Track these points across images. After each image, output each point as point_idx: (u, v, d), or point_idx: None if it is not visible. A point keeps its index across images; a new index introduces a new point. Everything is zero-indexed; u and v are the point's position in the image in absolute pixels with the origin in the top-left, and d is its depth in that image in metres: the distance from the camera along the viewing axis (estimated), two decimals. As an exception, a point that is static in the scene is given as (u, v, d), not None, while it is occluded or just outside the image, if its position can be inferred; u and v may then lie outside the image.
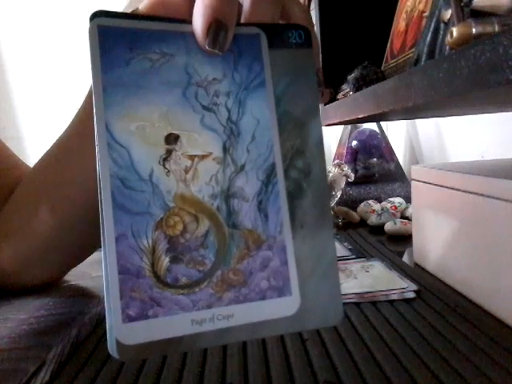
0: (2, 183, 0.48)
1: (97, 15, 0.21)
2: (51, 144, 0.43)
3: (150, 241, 0.20)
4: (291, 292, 0.22)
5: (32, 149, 1.85)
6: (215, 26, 0.22)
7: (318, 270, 0.22)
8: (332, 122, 0.66)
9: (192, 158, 0.21)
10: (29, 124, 2.10)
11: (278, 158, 0.22)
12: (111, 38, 0.21)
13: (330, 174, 0.94)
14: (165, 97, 0.21)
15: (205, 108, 0.22)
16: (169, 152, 0.21)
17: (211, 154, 0.22)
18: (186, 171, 0.21)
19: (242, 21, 0.24)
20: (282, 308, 0.21)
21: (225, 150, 0.22)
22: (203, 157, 0.21)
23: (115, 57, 0.21)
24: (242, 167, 0.22)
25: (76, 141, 0.39)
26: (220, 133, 0.22)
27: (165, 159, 0.21)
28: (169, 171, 0.21)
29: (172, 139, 0.21)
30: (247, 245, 0.21)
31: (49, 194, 0.41)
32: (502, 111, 0.64)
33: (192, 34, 0.22)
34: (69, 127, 0.40)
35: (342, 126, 1.18)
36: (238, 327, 0.21)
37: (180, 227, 0.21)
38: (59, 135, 0.41)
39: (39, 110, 2.06)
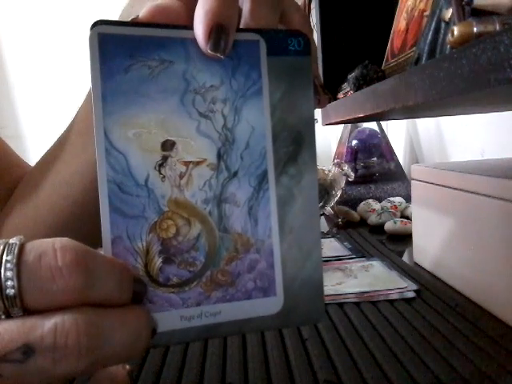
0: (3, 182, 0.48)
1: (98, 23, 0.21)
2: (52, 143, 0.43)
3: (144, 243, 0.21)
4: (275, 293, 0.23)
5: (33, 148, 1.85)
6: (216, 30, 0.22)
7: (303, 272, 0.23)
8: (332, 121, 0.66)
9: (187, 164, 0.22)
10: (29, 123, 2.11)
11: (270, 165, 0.23)
12: (111, 45, 0.21)
13: (330, 174, 0.94)
14: (163, 104, 0.22)
15: (201, 115, 0.22)
16: (165, 158, 0.22)
17: (205, 160, 0.22)
18: (181, 177, 0.22)
19: (242, 25, 0.24)
20: (266, 307, 0.23)
21: (219, 156, 0.22)
22: (198, 163, 0.22)
23: (115, 64, 0.21)
24: (235, 173, 0.23)
25: (76, 140, 0.39)
26: (215, 139, 0.22)
27: (160, 165, 0.22)
28: (164, 177, 0.22)
29: (168, 146, 0.22)
30: (236, 248, 0.23)
31: (48, 193, 0.41)
32: (502, 111, 0.64)
33: (192, 40, 0.22)
34: (69, 126, 0.40)
35: (342, 125, 1.18)
36: (225, 323, 0.22)
37: (173, 230, 0.22)
38: (60, 134, 0.42)
39: (40, 108, 2.07)
